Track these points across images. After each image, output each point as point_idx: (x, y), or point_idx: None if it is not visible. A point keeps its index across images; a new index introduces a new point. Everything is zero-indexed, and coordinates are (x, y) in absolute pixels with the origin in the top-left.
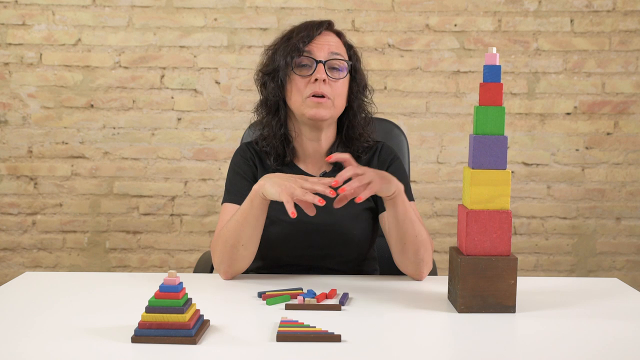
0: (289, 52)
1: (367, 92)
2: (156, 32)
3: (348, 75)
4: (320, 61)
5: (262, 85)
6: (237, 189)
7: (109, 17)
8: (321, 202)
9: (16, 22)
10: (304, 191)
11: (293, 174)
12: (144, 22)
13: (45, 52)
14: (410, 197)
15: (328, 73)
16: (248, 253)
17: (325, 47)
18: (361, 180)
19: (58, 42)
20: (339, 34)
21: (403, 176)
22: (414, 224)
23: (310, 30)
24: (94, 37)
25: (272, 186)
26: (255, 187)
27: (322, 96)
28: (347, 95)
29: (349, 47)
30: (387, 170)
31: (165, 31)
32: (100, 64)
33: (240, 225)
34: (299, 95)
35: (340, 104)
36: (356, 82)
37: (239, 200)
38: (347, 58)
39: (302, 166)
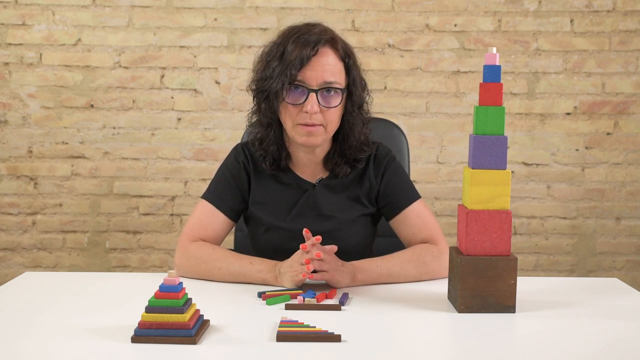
0: (280, 78)
1: (366, 101)
2: (156, 32)
3: (343, 98)
4: (313, 90)
5: (255, 98)
6: (220, 192)
7: (109, 17)
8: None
9: (16, 22)
10: (303, 269)
11: (290, 180)
12: (144, 22)
13: (45, 52)
14: (414, 196)
15: (321, 100)
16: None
17: (319, 72)
18: (320, 266)
19: (58, 42)
20: (336, 48)
21: (400, 177)
22: (398, 274)
23: (304, 49)
24: (94, 37)
25: (290, 281)
26: (269, 277)
27: (313, 125)
28: (342, 114)
29: (348, 57)
30: (383, 174)
31: (165, 31)
32: (100, 64)
33: (233, 280)
34: (290, 122)
35: (332, 129)
36: (351, 101)
37: (217, 203)
38: (345, 74)
39: (298, 172)
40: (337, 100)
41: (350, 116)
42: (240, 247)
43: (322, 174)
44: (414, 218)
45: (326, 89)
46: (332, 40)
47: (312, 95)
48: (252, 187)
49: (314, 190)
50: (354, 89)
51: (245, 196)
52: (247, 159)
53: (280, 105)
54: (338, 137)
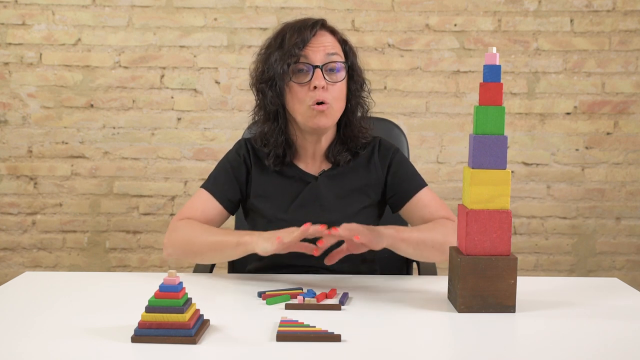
0: (284, 59)
1: (365, 88)
2: (156, 32)
3: (346, 75)
4: (317, 66)
5: (259, 92)
6: (219, 183)
7: (109, 17)
8: (316, 253)
9: (16, 22)
10: (292, 235)
11: (293, 173)
12: (144, 22)
13: (45, 52)
14: (420, 183)
15: (326, 77)
16: (203, 263)
17: (320, 48)
18: (351, 234)
19: (58, 42)
20: (333, 32)
21: (407, 166)
22: (425, 244)
23: (304, 32)
24: (94, 37)
25: (264, 242)
26: (246, 239)
27: (323, 102)
28: (346, 94)
29: (344, 43)
30: (390, 164)
31: (165, 31)
32: (100, 63)
33: (213, 253)
34: (300, 105)
35: (339, 107)
36: (354, 81)
37: (216, 193)
38: (343, 56)
39: (301, 166)
40: (341, 75)
41: (353, 97)
42: None
43: (325, 166)
44: (427, 201)
45: (330, 69)
46: (329, 25)
47: (318, 70)
48: (253, 181)
49: (317, 182)
50: (354, 71)
51: (242, 189)
52: (249, 152)
53: (287, 89)
54: (340, 125)
